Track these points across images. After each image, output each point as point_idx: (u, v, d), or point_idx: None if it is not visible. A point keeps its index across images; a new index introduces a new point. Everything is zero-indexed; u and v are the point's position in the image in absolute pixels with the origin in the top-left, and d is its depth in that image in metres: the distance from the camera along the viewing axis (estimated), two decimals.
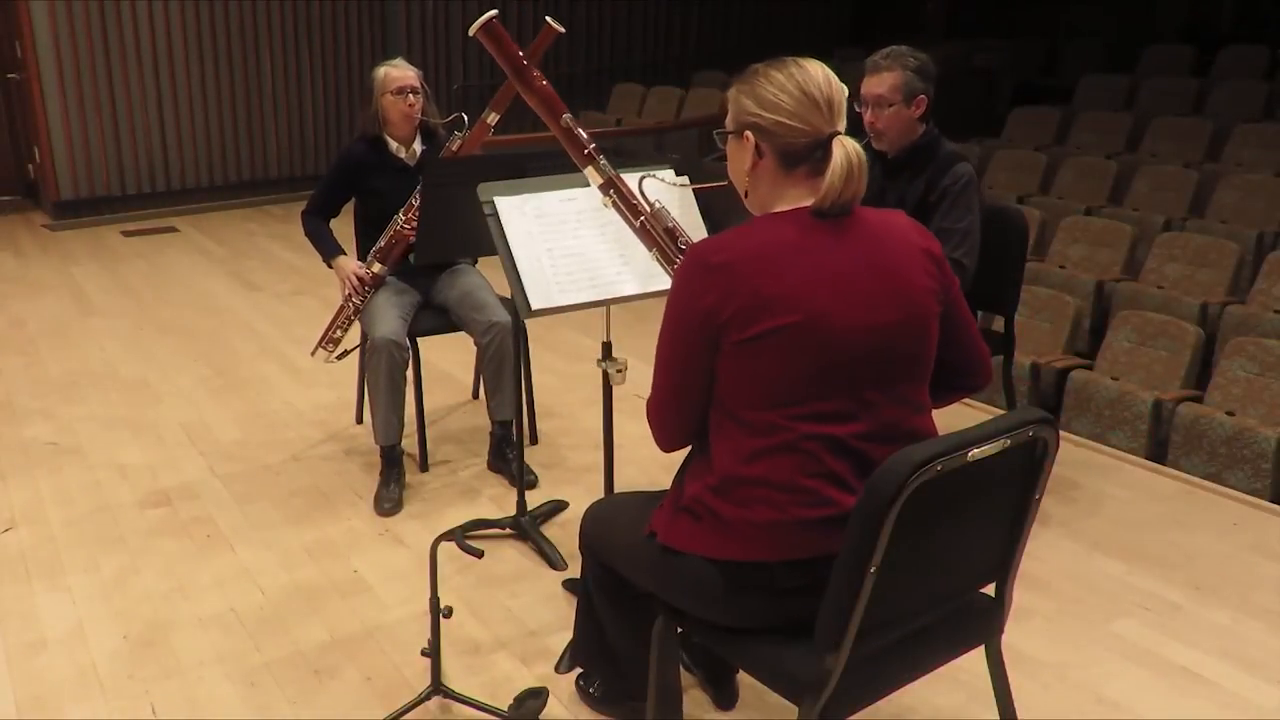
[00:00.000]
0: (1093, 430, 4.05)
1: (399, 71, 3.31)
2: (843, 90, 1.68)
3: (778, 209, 1.70)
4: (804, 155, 1.66)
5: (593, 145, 2.25)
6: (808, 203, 1.67)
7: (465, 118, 3.29)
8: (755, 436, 1.63)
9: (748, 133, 1.69)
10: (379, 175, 3.35)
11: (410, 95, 3.29)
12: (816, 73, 1.67)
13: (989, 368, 1.87)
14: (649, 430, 1.81)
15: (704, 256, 1.63)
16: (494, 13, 2.20)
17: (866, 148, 2.81)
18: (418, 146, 3.41)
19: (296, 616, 2.68)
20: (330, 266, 3.39)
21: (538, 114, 2.28)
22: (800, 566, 1.64)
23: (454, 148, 3.25)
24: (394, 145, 3.37)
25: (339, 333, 3.47)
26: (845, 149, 1.62)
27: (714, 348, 1.63)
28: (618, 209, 2.24)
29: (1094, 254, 5.20)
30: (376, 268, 3.30)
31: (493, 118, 3.17)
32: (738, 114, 1.71)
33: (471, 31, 2.19)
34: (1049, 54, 9.28)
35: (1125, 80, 7.57)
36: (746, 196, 1.76)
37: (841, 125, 1.67)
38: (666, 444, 1.80)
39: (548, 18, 2.93)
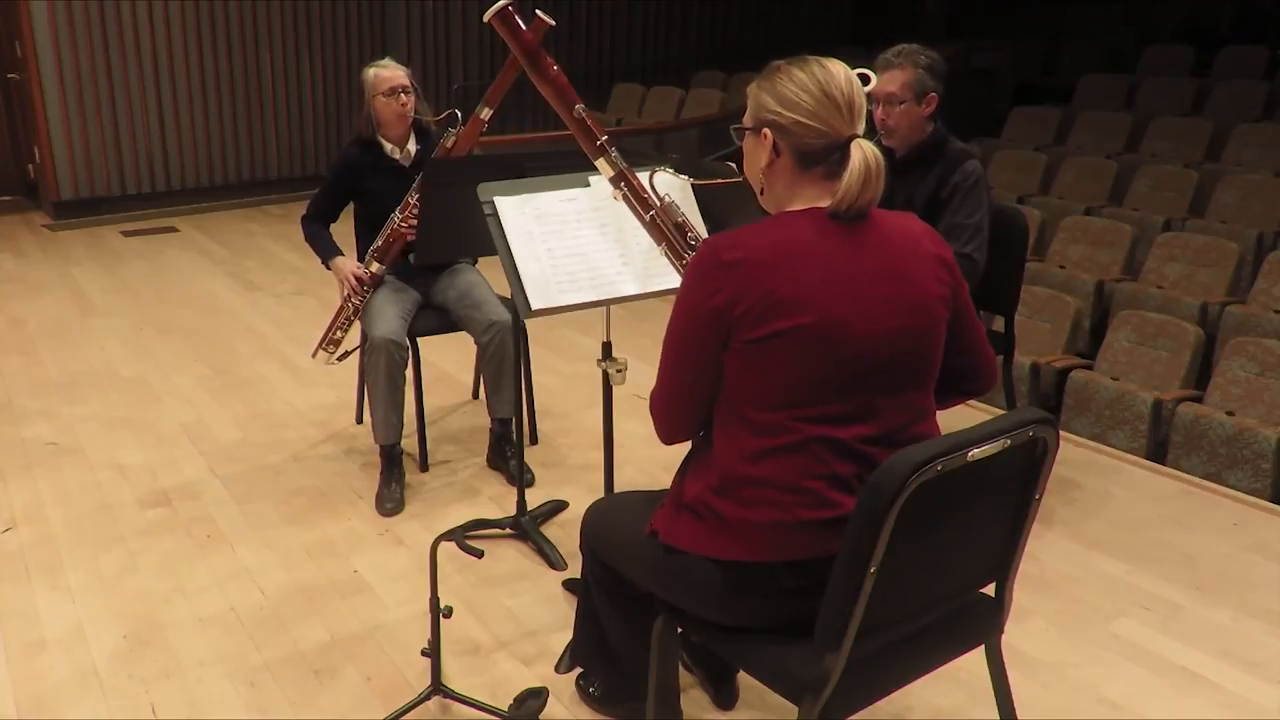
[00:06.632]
0: (1093, 430, 4.05)
1: (389, 71, 3.31)
2: (863, 93, 1.66)
3: (792, 208, 1.68)
4: (821, 156, 1.64)
5: (605, 137, 2.23)
6: (823, 203, 1.65)
7: (459, 114, 3.28)
8: (761, 436, 1.63)
9: (766, 130, 1.66)
10: (375, 177, 3.35)
11: (402, 94, 3.29)
12: (839, 74, 1.64)
13: (995, 372, 1.86)
14: (650, 429, 1.81)
15: (718, 252, 1.61)
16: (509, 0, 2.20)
17: (877, 145, 2.82)
18: (412, 146, 3.40)
19: (296, 616, 2.68)
20: (328, 268, 3.39)
21: (551, 103, 2.24)
22: (802, 567, 1.64)
23: (448, 145, 3.24)
24: (389, 147, 3.37)
25: (339, 334, 3.47)
26: (864, 152, 1.60)
27: (723, 344, 1.62)
28: (628, 202, 2.22)
29: (1094, 254, 5.20)
30: (375, 267, 3.30)
31: (486, 113, 3.16)
32: (757, 110, 1.69)
33: (486, 17, 2.19)
34: (1049, 54, 9.29)
35: (1125, 80, 7.58)
36: (761, 194, 1.74)
37: (861, 128, 1.65)
38: (668, 437, 1.79)
39: (538, 10, 2.94)
